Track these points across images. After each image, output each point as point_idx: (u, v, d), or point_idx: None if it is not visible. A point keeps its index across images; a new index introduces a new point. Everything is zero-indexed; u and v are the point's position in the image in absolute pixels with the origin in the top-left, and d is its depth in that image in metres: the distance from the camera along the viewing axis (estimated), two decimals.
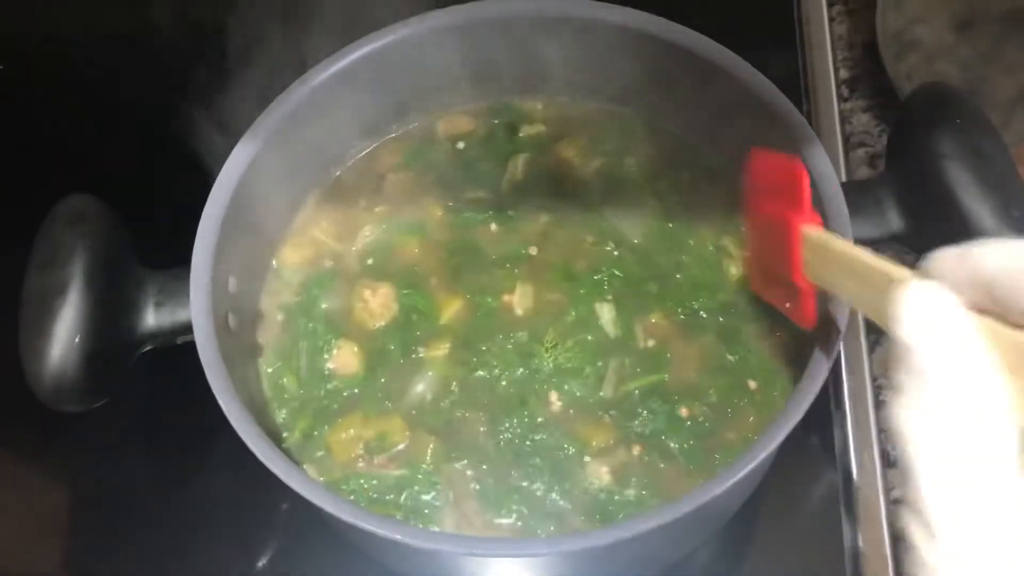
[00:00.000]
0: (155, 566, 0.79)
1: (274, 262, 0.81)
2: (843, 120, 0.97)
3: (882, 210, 0.70)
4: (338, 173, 0.85)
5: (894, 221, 0.70)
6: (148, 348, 0.70)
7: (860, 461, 0.78)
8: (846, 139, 0.96)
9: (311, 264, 0.81)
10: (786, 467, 0.76)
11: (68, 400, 0.66)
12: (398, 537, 0.58)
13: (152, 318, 0.70)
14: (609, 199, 0.81)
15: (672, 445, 0.70)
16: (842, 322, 0.64)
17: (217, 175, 0.72)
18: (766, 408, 0.72)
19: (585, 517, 0.68)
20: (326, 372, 0.75)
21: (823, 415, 0.81)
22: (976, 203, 0.66)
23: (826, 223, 0.68)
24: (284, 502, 0.80)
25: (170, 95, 0.94)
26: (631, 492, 0.69)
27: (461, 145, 0.86)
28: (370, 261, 0.80)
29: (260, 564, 0.78)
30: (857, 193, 0.71)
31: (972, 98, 0.72)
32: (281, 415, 0.74)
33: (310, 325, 0.77)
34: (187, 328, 0.67)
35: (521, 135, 0.86)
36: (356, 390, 0.74)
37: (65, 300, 0.66)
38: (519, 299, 0.77)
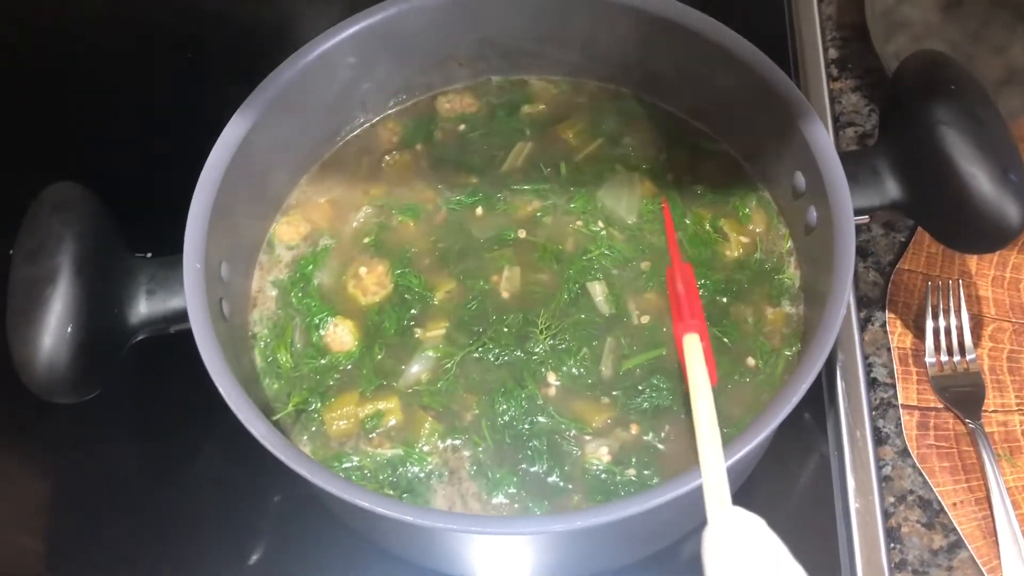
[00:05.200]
0: (146, 559, 0.77)
1: (268, 238, 0.80)
2: (832, 100, 0.97)
3: (880, 179, 0.70)
4: (335, 150, 0.84)
5: (892, 190, 0.70)
6: (141, 337, 0.69)
7: (852, 437, 0.78)
8: (835, 118, 0.96)
9: (306, 240, 0.80)
10: (779, 443, 0.75)
11: (61, 391, 0.64)
12: (403, 517, 0.58)
13: (144, 307, 0.68)
14: (604, 181, 0.81)
15: (684, 418, 0.70)
16: (844, 298, 0.64)
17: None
18: (768, 385, 0.72)
19: (584, 497, 0.68)
20: (321, 347, 0.74)
21: (815, 391, 0.80)
22: (974, 168, 0.65)
23: (826, 195, 0.68)
24: (277, 493, 0.78)
25: (160, 78, 0.92)
26: (632, 471, 0.68)
27: (462, 127, 0.85)
28: (366, 240, 0.79)
29: (254, 557, 0.77)
30: (854, 164, 0.70)
31: (963, 64, 0.72)
32: (273, 388, 0.73)
33: (305, 301, 0.76)
34: (180, 316, 0.66)
35: (522, 114, 0.85)
36: (350, 367, 0.74)
37: (55, 289, 0.64)
38: (506, 281, 0.76)
